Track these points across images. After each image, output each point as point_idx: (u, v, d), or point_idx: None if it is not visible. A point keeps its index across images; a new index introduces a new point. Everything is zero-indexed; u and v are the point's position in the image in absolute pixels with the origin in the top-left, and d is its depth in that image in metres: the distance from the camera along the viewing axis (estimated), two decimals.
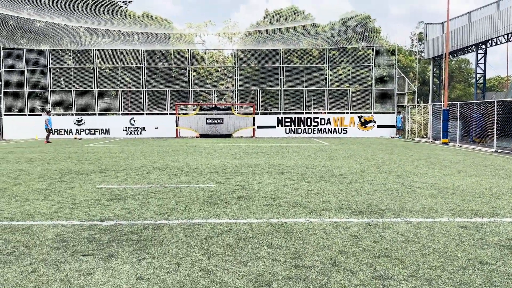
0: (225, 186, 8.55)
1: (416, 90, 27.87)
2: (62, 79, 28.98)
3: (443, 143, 21.11)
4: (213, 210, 6.42)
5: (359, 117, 28.24)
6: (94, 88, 28.73)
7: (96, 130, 28.18)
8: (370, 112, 28.71)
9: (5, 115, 27.99)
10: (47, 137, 23.58)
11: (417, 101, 29.21)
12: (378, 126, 28.14)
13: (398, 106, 28.74)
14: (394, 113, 28.51)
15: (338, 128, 28.20)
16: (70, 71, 28.91)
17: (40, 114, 28.28)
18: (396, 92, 28.81)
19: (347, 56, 31.02)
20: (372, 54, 29.55)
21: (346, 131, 28.21)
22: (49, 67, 28.30)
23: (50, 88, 28.44)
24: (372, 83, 29.25)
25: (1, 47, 27.47)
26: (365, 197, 7.40)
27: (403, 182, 9.03)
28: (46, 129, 23.84)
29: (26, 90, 28.19)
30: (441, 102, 24.29)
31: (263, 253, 4.46)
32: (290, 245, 4.73)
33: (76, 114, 28.50)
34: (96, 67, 28.70)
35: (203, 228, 5.42)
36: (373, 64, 29.25)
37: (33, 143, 22.70)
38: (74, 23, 26.13)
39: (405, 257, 4.34)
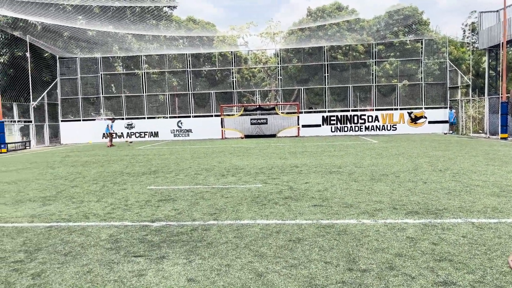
0: (272, 186, 8.45)
1: (470, 83, 26.35)
2: (112, 85, 30.21)
3: (502, 138, 19.83)
4: (261, 211, 6.34)
5: (409, 113, 27.19)
6: (143, 93, 29.69)
7: (145, 133, 29.12)
8: (421, 108, 27.57)
9: (62, 121, 29.60)
10: (110, 140, 23.98)
11: (471, 95, 27.67)
12: (430, 122, 26.95)
13: (450, 100, 27.38)
14: (446, 108, 27.20)
15: (387, 125, 27.31)
16: (120, 77, 30.08)
17: (94, 119, 29.65)
18: (448, 86, 27.46)
19: (394, 51, 30.03)
20: (421, 47, 28.37)
21: (395, 128, 27.25)
22: (101, 74, 29.59)
23: (102, 94, 29.73)
24: (422, 77, 28.06)
25: (57, 57, 29.07)
26: (420, 197, 7.03)
27: (461, 180, 8.50)
28: (107, 133, 24.25)
29: (80, 96, 29.66)
30: (498, 94, 22.83)
31: (315, 255, 4.31)
32: (343, 247, 4.55)
33: (126, 119, 29.58)
34: (144, 72, 29.66)
35: (251, 229, 5.35)
36: (423, 58, 28.05)
37: (87, 147, 23.80)
38: (123, 31, 27.13)
39: (470, 261, 4.02)
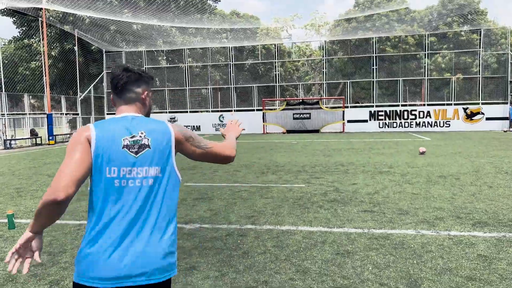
0: (316, 187, 7.80)
1: None
2: (157, 78, 30.47)
3: None
4: (304, 215, 5.72)
5: (464, 109, 25.36)
6: (186, 87, 29.72)
7: (188, 127, 29.08)
8: (478, 103, 25.63)
9: (107, 114, 30.26)
10: None
11: None
12: (487, 119, 25.00)
13: (511, 95, 25.26)
14: (506, 103, 25.12)
15: (440, 121, 25.64)
16: (164, 70, 30.27)
17: None
18: (509, 79, 25.34)
19: (447, 42, 28.13)
20: (478, 39, 26.35)
21: (449, 124, 25.53)
22: (145, 68, 29.90)
23: None
24: (479, 71, 26.07)
25: (104, 50, 29.68)
26: (487, 204, 6.13)
27: None
28: None
29: None
30: None
31: (368, 274, 3.65)
32: (401, 265, 3.85)
33: (169, 112, 29.77)
34: (187, 66, 29.66)
35: (293, 237, 4.75)
36: (481, 49, 26.04)
37: None
38: (167, 23, 27.20)
39: None
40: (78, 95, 27.56)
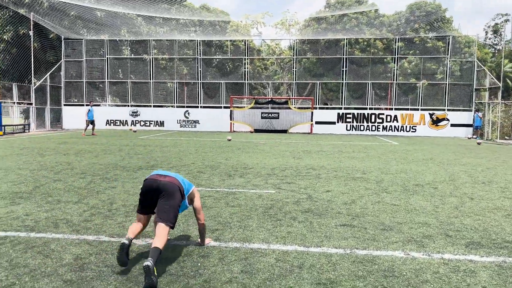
0: (287, 194, 7.09)
1: (501, 85, 24.30)
2: (120, 70, 28.93)
3: None
4: (276, 230, 4.97)
5: (431, 115, 25.56)
6: (150, 80, 28.38)
7: (151, 122, 27.85)
8: (443, 109, 25.90)
9: (64, 105, 28.42)
10: (93, 129, 21.91)
11: (500, 98, 25.88)
12: (452, 125, 25.31)
13: (476, 103, 25.67)
14: (470, 110, 25.53)
15: (406, 126, 25.72)
16: (127, 61, 28.78)
17: (99, 105, 28.39)
18: (474, 87, 25.74)
19: (414, 48, 28.27)
20: (445, 46, 26.65)
21: (415, 129, 25.66)
22: (107, 58, 28.31)
23: (108, 79, 28.47)
24: (446, 77, 26.33)
25: (63, 37, 27.83)
26: (474, 219, 5.61)
27: None
28: (86, 121, 21.67)
29: (84, 80, 28.42)
30: None
31: None
32: None
33: (132, 106, 28.33)
34: (152, 58, 28.32)
35: (264, 260, 3.98)
36: (449, 56, 26.31)
37: (88, 133, 22.52)
38: (133, 11, 25.76)
39: None
40: (32, 83, 25.63)
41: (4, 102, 23.11)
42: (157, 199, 3.81)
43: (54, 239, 4.52)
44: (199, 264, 3.84)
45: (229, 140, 18.85)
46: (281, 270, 3.74)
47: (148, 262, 3.26)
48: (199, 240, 4.43)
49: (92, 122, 21.75)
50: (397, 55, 27.21)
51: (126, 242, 3.54)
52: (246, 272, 3.67)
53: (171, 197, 3.79)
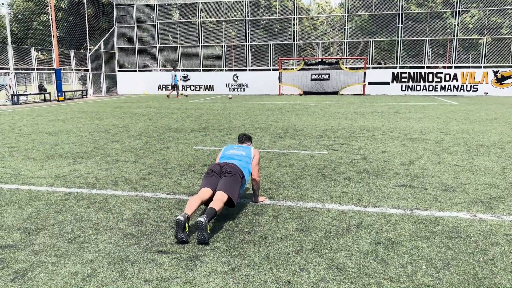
0: (340, 155, 6.89)
1: None
2: (170, 35, 29.15)
3: None
4: (330, 190, 4.85)
5: (495, 72, 23.68)
6: (199, 43, 28.41)
7: (200, 87, 28.12)
8: (510, 66, 23.87)
9: (118, 71, 29.30)
10: (177, 92, 23.31)
11: None
12: None
13: None
14: None
15: (467, 85, 24.08)
16: (176, 26, 28.88)
17: (150, 70, 29.03)
18: None
19: (477, 1, 25.95)
20: None
21: (477, 88, 23.98)
22: (157, 23, 28.56)
23: (158, 44, 28.84)
24: None
25: (114, 3, 28.30)
26: None
27: None
28: (172, 84, 23.30)
29: (136, 46, 28.99)
30: None
31: (423, 276, 2.79)
32: (464, 263, 2.98)
33: (182, 70, 28.66)
34: (200, 21, 28.20)
35: (320, 218, 3.90)
36: None
37: (142, 98, 23.24)
38: None
39: None
40: (88, 50, 26.55)
41: (63, 69, 24.18)
42: (220, 177, 3.92)
43: (114, 195, 4.69)
44: (254, 221, 3.83)
45: (230, 98, 19.41)
46: (338, 229, 3.64)
47: (202, 218, 3.29)
48: (253, 198, 4.42)
49: (176, 86, 22.96)
50: (459, 8, 25.13)
51: (182, 218, 3.31)
52: (301, 230, 3.61)
53: (233, 176, 3.90)
